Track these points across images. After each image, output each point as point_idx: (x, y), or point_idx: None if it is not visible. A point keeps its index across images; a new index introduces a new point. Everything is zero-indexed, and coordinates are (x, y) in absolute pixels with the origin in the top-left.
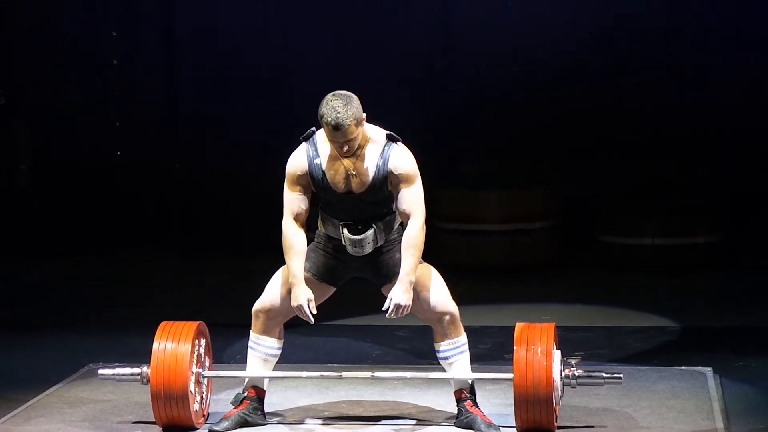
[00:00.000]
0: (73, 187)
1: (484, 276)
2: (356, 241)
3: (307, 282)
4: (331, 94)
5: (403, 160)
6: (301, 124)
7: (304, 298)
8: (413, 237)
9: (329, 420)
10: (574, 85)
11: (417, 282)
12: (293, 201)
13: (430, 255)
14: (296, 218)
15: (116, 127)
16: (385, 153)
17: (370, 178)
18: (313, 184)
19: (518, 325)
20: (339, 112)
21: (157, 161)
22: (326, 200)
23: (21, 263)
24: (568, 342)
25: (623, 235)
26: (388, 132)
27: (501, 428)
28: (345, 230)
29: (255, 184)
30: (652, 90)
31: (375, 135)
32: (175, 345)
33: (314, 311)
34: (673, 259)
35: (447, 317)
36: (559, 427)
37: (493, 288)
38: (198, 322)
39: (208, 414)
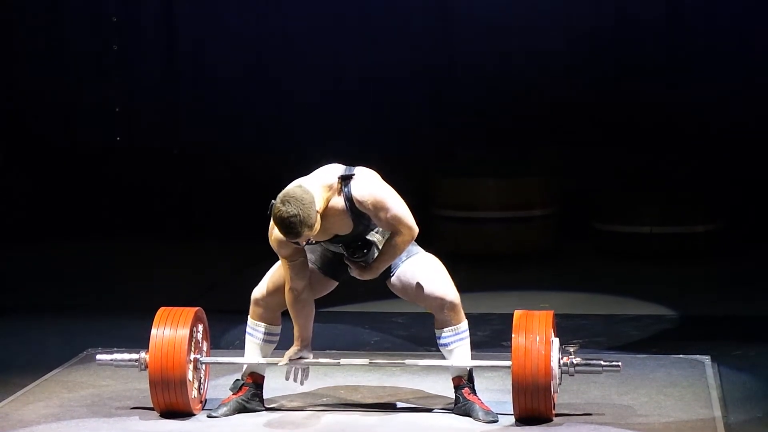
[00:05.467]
0: (72, 172)
1: (482, 263)
2: (362, 261)
3: (312, 274)
4: (281, 197)
5: (364, 190)
6: (302, 111)
7: (286, 356)
8: (395, 241)
9: (327, 406)
10: (575, 74)
11: (418, 270)
12: (289, 271)
13: (429, 242)
14: (296, 288)
15: (116, 113)
16: (346, 194)
17: (350, 220)
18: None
19: (517, 313)
20: (291, 227)
21: (157, 147)
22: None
23: (19, 248)
24: (567, 330)
25: (622, 224)
26: (339, 175)
27: (499, 416)
28: (349, 259)
29: (255, 172)
30: (653, 80)
31: (330, 185)
32: (174, 331)
33: (303, 378)
34: (671, 248)
35: (447, 304)
36: (557, 415)
37: (491, 275)
38: (196, 308)
39: (206, 400)
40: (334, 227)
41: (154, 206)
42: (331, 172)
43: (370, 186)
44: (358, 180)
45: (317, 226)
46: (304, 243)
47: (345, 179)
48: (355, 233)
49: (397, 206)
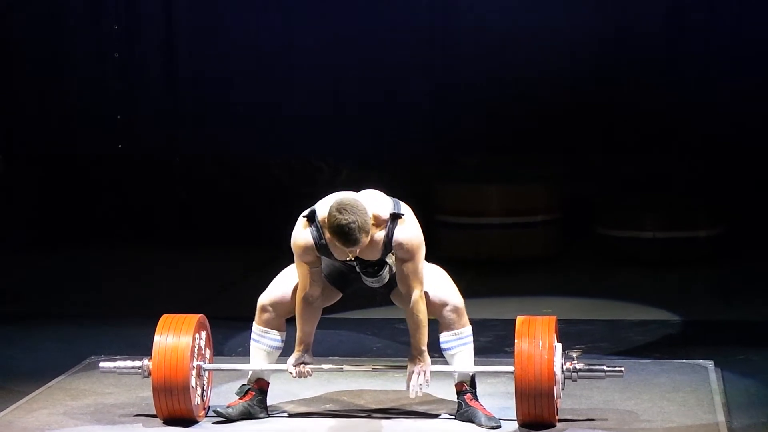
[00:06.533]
0: (73, 179)
1: (485, 269)
2: (374, 280)
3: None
4: (336, 206)
5: (406, 235)
6: (303, 117)
7: (290, 364)
8: (417, 314)
9: (331, 412)
10: (575, 80)
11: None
12: (306, 277)
13: (432, 248)
14: (311, 294)
15: (117, 120)
16: (389, 230)
17: (380, 253)
18: (321, 256)
19: (519, 318)
20: (350, 234)
21: (158, 155)
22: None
23: (22, 256)
24: (569, 335)
25: (624, 229)
26: (392, 212)
27: (502, 421)
28: (362, 275)
29: (256, 178)
30: (654, 85)
31: (381, 218)
32: (176, 338)
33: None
34: (674, 253)
35: (449, 308)
36: (560, 420)
37: (494, 281)
38: (199, 315)
39: (209, 407)
40: (362, 254)
41: (156, 213)
42: (382, 204)
43: (413, 234)
44: (406, 224)
45: (371, 232)
46: (355, 253)
47: (395, 217)
48: (374, 260)
49: (422, 261)
